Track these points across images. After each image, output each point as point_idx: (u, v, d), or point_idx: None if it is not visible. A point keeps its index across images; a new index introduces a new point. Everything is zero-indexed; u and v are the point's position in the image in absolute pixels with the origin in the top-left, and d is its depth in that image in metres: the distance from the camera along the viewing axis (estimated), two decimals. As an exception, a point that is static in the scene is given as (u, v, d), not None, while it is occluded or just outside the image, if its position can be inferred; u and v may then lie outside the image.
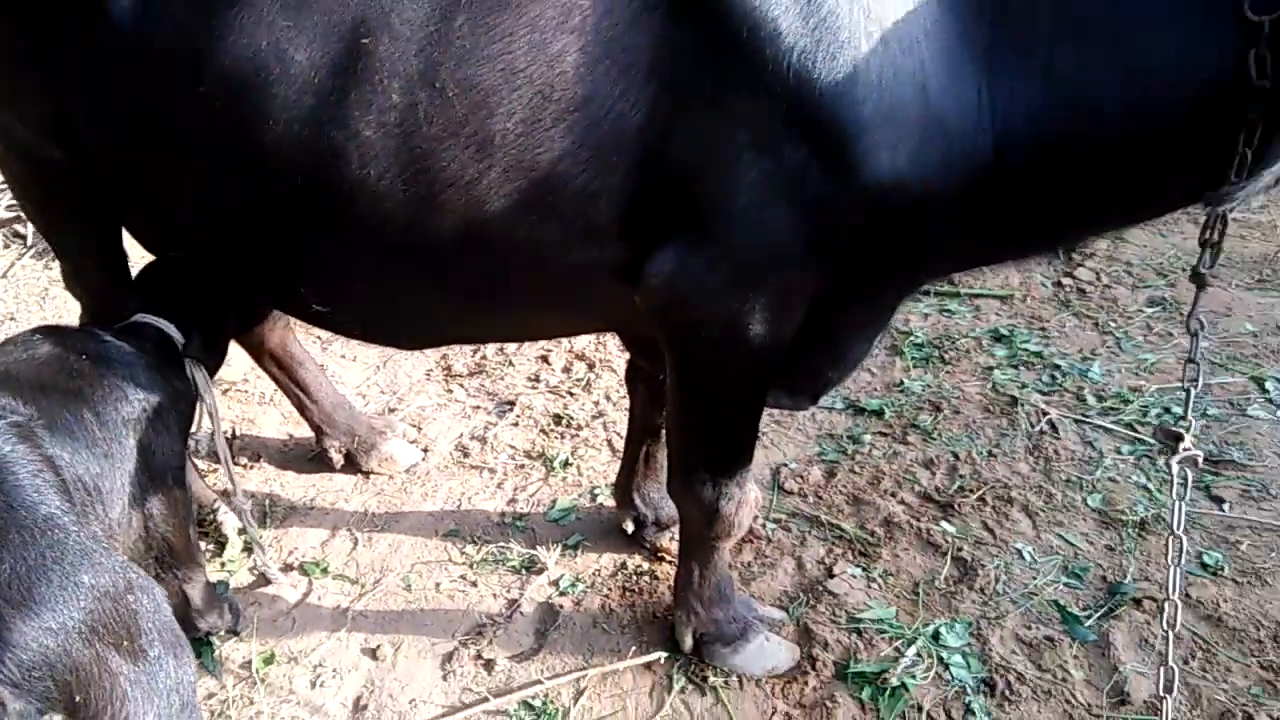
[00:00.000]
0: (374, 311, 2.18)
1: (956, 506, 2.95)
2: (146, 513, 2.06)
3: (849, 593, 2.71)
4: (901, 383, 3.50)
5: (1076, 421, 3.28)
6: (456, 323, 2.24)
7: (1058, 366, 3.53)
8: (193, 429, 2.33)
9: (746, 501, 2.32)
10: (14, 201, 4.26)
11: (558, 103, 1.70)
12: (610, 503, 3.00)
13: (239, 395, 3.63)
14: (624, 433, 2.92)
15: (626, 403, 2.84)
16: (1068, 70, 1.67)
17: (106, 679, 1.59)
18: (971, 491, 3.00)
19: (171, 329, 2.26)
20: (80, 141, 2.03)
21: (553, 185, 1.77)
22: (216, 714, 2.47)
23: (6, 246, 4.43)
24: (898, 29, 1.66)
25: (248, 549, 2.93)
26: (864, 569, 2.79)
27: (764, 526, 2.94)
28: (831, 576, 2.77)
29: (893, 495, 3.02)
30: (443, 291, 2.02)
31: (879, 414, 3.36)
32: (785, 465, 3.17)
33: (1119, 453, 3.15)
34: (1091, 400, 3.38)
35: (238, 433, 3.44)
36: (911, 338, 3.72)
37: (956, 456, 3.15)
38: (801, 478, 3.12)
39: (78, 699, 1.57)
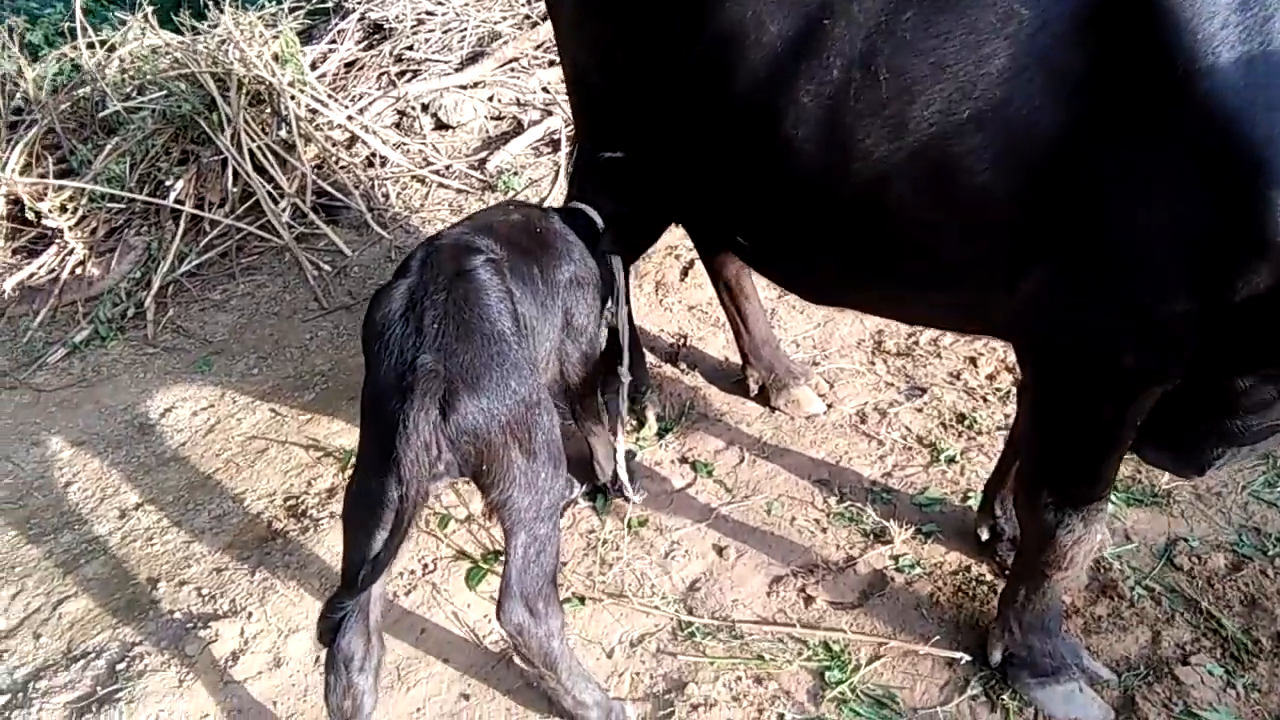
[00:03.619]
0: (781, 253, 2.48)
1: (1383, 656, 2.50)
2: (563, 360, 2.61)
3: (1197, 686, 2.47)
4: (1385, 506, 2.96)
5: None
6: (842, 284, 2.43)
7: None
8: (609, 308, 2.83)
9: (1088, 541, 2.25)
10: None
11: (976, 100, 1.82)
12: (979, 509, 3.02)
13: (700, 315, 4.20)
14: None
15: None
16: None
17: (505, 461, 2.12)
18: None
19: (596, 216, 2.75)
20: (614, 69, 2.59)
21: (954, 176, 1.90)
22: (590, 545, 3.06)
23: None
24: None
25: (660, 433, 3.48)
26: (1227, 671, 2.51)
27: (1131, 589, 2.75)
28: (1185, 664, 2.54)
29: (1304, 615, 2.64)
30: (835, 251, 2.24)
31: (1335, 528, 2.90)
32: (1186, 540, 2.90)
33: None
34: None
35: (689, 344, 4.01)
36: None
37: None
38: (1198, 558, 2.83)
39: (483, 467, 2.11)
